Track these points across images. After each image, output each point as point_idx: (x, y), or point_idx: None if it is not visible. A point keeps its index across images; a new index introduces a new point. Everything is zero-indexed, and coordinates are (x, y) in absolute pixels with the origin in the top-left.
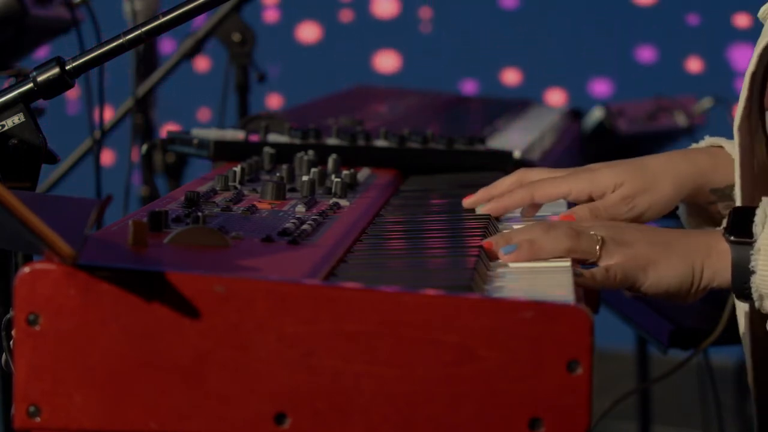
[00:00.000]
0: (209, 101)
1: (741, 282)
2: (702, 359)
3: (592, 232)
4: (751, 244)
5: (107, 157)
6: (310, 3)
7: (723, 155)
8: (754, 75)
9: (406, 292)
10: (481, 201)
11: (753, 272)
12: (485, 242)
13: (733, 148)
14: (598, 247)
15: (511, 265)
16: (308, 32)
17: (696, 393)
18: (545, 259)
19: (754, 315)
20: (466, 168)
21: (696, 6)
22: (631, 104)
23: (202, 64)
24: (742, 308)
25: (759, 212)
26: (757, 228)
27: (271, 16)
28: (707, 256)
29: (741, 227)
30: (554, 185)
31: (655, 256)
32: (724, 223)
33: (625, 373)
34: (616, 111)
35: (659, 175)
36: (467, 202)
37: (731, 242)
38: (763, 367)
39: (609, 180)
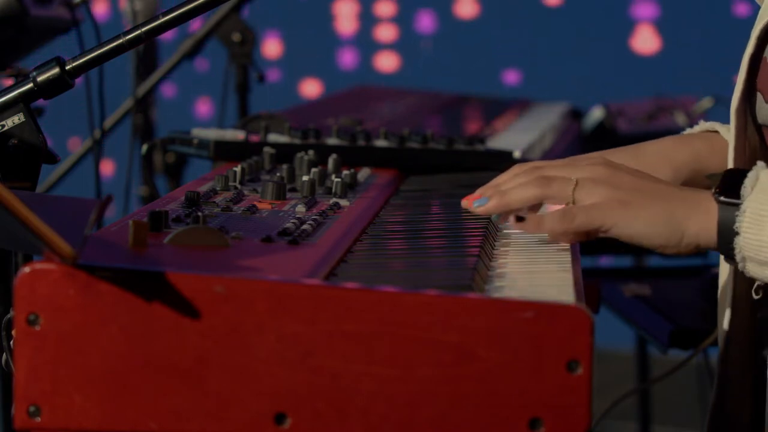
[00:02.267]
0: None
1: (726, 243)
2: (702, 359)
3: (572, 176)
4: (737, 206)
5: (107, 167)
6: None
7: (718, 139)
8: (752, 57)
9: (406, 292)
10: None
11: (737, 234)
12: (463, 199)
13: (727, 132)
14: (571, 190)
15: (512, 265)
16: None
17: (696, 393)
18: (515, 210)
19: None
20: (466, 168)
21: None
22: (631, 104)
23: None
24: (725, 308)
25: (750, 174)
26: (745, 190)
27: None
28: (694, 212)
29: (731, 188)
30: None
31: (633, 200)
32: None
33: (625, 373)
34: (616, 111)
35: (656, 161)
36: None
37: (719, 202)
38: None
39: None
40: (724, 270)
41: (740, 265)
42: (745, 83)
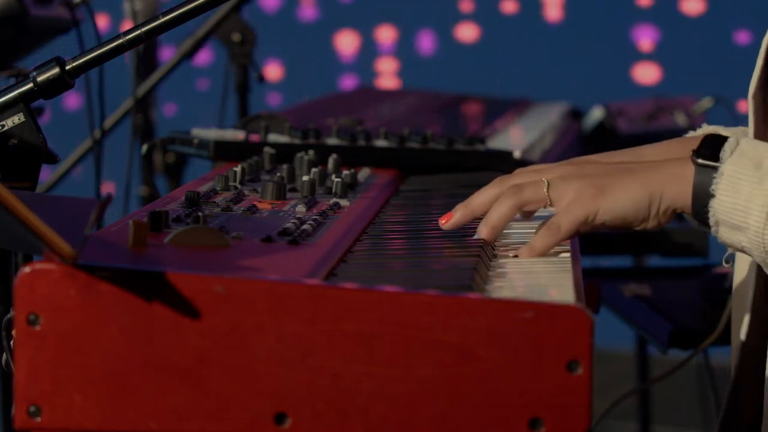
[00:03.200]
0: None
1: (700, 206)
2: (702, 359)
3: (541, 178)
4: (715, 168)
5: (109, 188)
6: None
7: None
8: None
9: (406, 292)
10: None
11: (713, 196)
12: (440, 219)
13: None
14: (545, 190)
15: (512, 265)
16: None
17: (696, 393)
18: (502, 228)
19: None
20: (466, 168)
21: None
22: (631, 104)
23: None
24: (740, 316)
25: (731, 139)
26: (724, 153)
27: None
28: (669, 179)
29: (710, 151)
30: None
31: (607, 183)
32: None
33: (625, 373)
34: (616, 111)
35: None
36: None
37: (696, 164)
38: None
39: None
40: (740, 276)
41: (713, 229)
42: (762, 69)
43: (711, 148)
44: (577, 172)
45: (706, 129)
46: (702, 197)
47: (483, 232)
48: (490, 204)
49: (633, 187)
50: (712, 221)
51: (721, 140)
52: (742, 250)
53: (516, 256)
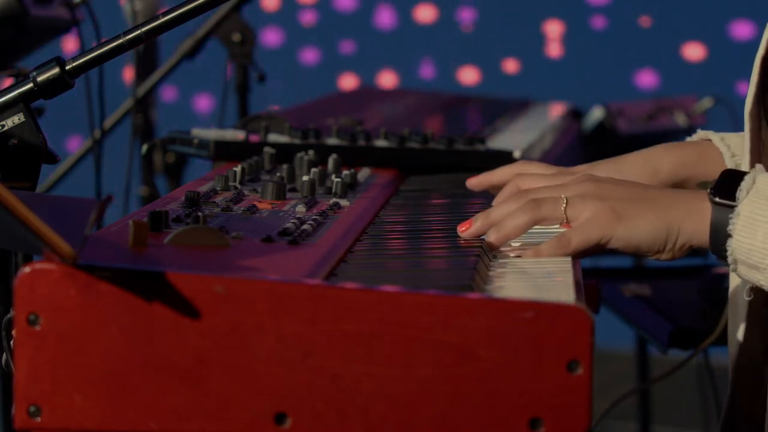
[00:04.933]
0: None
1: (718, 244)
2: (702, 359)
3: (560, 195)
4: (732, 208)
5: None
6: None
7: (709, 147)
8: (764, 59)
9: (406, 292)
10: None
11: (730, 236)
12: (459, 227)
13: (721, 141)
14: (563, 209)
15: (512, 265)
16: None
17: (696, 393)
18: (514, 238)
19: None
20: (466, 168)
21: None
22: (631, 104)
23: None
24: (738, 314)
25: (747, 178)
26: (741, 193)
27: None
28: (687, 215)
29: (727, 189)
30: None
31: (626, 210)
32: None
33: (625, 373)
34: (616, 111)
35: (641, 170)
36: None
37: (714, 203)
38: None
39: None
40: (736, 277)
41: (731, 267)
42: (758, 86)
43: (728, 186)
44: (598, 193)
45: (699, 134)
46: (719, 236)
47: (493, 237)
48: (522, 229)
49: (651, 219)
50: (730, 259)
51: (738, 177)
52: (761, 287)
53: (518, 257)
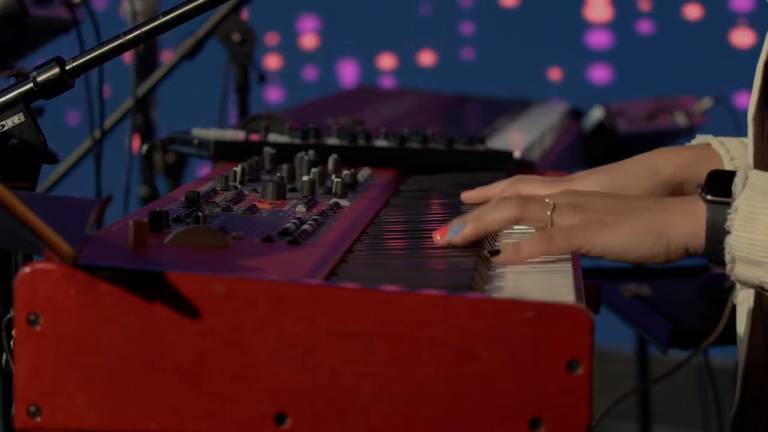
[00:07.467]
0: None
1: (715, 243)
2: (702, 359)
3: (546, 200)
4: (728, 204)
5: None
6: None
7: (708, 151)
8: (766, 64)
9: (406, 292)
10: (477, 200)
11: (728, 232)
12: (435, 233)
13: (720, 144)
14: (549, 213)
15: (512, 265)
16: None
17: (696, 393)
18: (493, 232)
19: (756, 319)
20: (466, 168)
21: None
22: (631, 104)
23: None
24: (743, 311)
25: (739, 173)
26: (736, 187)
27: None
28: (678, 217)
29: (719, 187)
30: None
31: (610, 220)
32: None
33: (625, 373)
34: (615, 111)
35: (643, 173)
36: (466, 196)
37: (708, 201)
38: (753, 372)
39: (590, 188)
40: (741, 313)
41: (728, 267)
42: (761, 90)
43: (719, 184)
44: (585, 204)
45: (699, 138)
46: (716, 234)
47: (470, 226)
48: (504, 222)
49: (636, 225)
50: (728, 258)
51: (728, 175)
52: (760, 287)
53: (498, 251)
